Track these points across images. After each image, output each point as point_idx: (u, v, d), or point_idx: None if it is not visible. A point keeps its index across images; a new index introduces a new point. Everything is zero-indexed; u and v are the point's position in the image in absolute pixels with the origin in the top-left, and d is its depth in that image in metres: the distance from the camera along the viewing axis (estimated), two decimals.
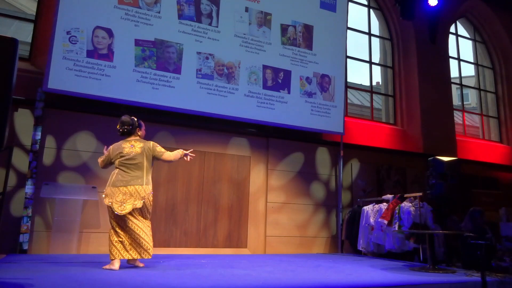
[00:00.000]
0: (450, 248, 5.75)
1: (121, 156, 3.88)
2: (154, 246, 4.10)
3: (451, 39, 9.78)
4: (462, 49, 10.07)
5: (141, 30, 5.84)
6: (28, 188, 5.07)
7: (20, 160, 5.23)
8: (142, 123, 4.17)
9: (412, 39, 8.80)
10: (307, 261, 5.04)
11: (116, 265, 3.69)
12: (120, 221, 3.76)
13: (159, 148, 4.00)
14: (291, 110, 6.71)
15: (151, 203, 3.94)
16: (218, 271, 3.77)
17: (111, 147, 4.02)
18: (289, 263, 4.72)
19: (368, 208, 6.36)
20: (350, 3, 8.28)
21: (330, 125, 7.03)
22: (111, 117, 5.77)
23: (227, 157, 6.49)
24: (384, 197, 6.36)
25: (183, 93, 5.97)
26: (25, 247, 4.94)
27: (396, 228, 5.60)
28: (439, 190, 4.65)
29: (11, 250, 4.95)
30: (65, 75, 5.32)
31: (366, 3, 9.08)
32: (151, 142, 4.03)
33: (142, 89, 5.73)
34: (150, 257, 3.84)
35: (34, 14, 6.08)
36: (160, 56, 5.91)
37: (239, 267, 4.17)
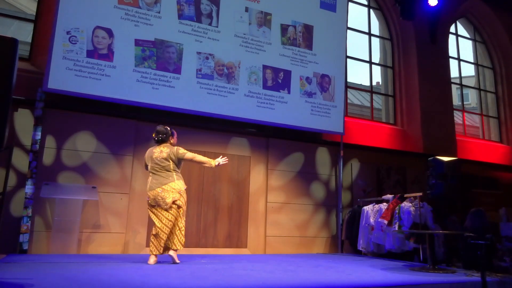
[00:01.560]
0: (450, 248, 5.75)
1: (152, 161, 4.33)
2: None
3: (451, 39, 9.78)
4: (462, 49, 10.09)
5: (141, 30, 5.84)
6: (28, 188, 5.07)
7: (20, 160, 5.23)
8: (175, 132, 4.57)
9: (412, 39, 8.80)
10: (307, 261, 5.04)
11: (151, 259, 4.17)
12: (160, 216, 4.22)
13: (181, 150, 4.39)
14: (291, 110, 6.71)
15: (185, 199, 4.36)
16: (218, 271, 3.77)
17: (146, 152, 4.49)
18: (289, 263, 4.71)
19: (368, 208, 6.36)
20: (350, 3, 8.27)
21: (330, 125, 7.02)
22: (111, 117, 5.79)
23: (227, 157, 6.47)
24: (384, 197, 6.36)
25: (183, 93, 5.97)
26: (25, 247, 4.94)
27: (396, 228, 5.60)
28: (439, 190, 4.65)
29: (11, 250, 4.94)
30: (65, 75, 5.32)
31: (366, 3, 9.08)
32: (176, 147, 4.42)
33: (142, 89, 5.73)
34: (179, 248, 4.27)
35: (34, 14, 6.07)
36: (160, 56, 5.91)
37: (239, 267, 4.17)
